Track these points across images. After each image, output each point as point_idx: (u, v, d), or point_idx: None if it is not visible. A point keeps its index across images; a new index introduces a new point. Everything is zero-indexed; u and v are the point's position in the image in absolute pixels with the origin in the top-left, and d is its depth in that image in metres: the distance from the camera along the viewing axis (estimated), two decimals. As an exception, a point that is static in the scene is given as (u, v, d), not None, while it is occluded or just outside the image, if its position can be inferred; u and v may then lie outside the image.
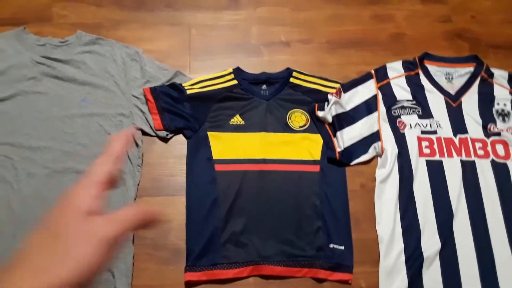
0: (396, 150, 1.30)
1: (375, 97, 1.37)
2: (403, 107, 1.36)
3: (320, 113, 1.34)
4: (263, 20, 1.56)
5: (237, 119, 1.35)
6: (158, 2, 1.56)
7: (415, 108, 1.35)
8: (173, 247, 1.22)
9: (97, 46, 1.41)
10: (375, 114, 1.35)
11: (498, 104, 1.36)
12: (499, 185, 1.25)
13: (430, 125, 1.33)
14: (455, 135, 1.31)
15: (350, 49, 1.52)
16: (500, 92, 1.38)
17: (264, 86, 1.41)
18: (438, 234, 1.19)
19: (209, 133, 1.32)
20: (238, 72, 1.41)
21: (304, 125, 1.36)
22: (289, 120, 1.36)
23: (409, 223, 1.22)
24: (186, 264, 1.18)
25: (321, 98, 1.38)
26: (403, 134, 1.32)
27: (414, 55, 1.45)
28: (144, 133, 1.33)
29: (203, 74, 1.42)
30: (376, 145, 1.32)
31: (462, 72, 1.42)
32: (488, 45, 1.55)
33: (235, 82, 1.39)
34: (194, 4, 1.57)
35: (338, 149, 1.31)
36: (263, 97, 1.39)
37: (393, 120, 1.34)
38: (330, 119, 1.34)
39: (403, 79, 1.40)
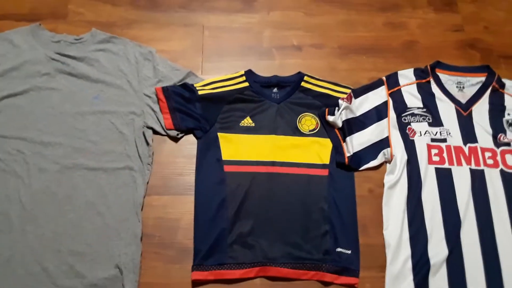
0: (405, 157, 1.30)
1: (385, 103, 1.37)
2: (413, 115, 1.36)
3: (330, 118, 1.34)
4: (276, 24, 1.58)
5: (247, 121, 1.36)
6: (172, 3, 1.58)
7: (426, 116, 1.36)
8: (180, 246, 1.23)
9: (111, 45, 1.42)
10: (385, 121, 1.35)
11: (508, 114, 1.36)
12: (507, 195, 1.25)
13: (440, 133, 1.33)
14: (465, 144, 1.31)
15: (362, 55, 1.53)
16: (511, 102, 1.38)
17: (275, 89, 1.42)
18: (445, 242, 1.19)
19: (219, 134, 1.33)
20: (249, 74, 1.42)
21: (314, 129, 1.36)
22: (299, 123, 1.37)
23: (416, 229, 1.22)
24: (193, 263, 1.19)
25: (331, 103, 1.38)
26: (413, 141, 1.32)
27: (426, 63, 1.46)
28: (155, 132, 1.34)
29: (215, 75, 1.43)
30: (386, 151, 1.32)
31: (474, 82, 1.42)
32: (500, 56, 1.55)
33: (246, 84, 1.40)
34: (208, 6, 1.59)
35: (347, 154, 1.32)
36: (274, 100, 1.39)
37: (403, 127, 1.34)
38: (340, 124, 1.34)
39: (414, 87, 1.41)
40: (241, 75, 1.42)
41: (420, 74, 1.43)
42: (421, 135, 1.33)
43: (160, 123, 1.34)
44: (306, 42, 1.55)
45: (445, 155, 1.30)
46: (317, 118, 1.38)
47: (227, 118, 1.36)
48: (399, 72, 1.44)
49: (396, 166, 1.30)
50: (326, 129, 1.36)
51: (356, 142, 1.32)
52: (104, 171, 1.25)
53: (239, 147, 1.32)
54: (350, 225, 1.26)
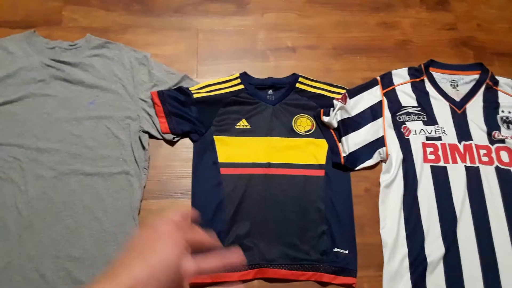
0: (400, 156, 1.31)
1: (380, 103, 1.38)
2: (408, 113, 1.36)
3: (325, 118, 1.35)
4: (270, 26, 1.58)
5: (243, 123, 1.36)
6: (166, 8, 1.58)
7: (420, 115, 1.36)
8: (178, 249, 1.23)
9: (105, 50, 1.42)
10: (380, 120, 1.35)
11: (502, 111, 1.37)
12: (503, 191, 1.25)
13: (435, 131, 1.33)
14: (459, 141, 1.32)
15: (356, 56, 1.53)
16: (504, 99, 1.39)
17: (270, 91, 1.42)
18: (442, 239, 1.20)
19: (215, 137, 1.34)
20: (244, 76, 1.43)
21: (310, 130, 1.37)
22: (295, 125, 1.37)
23: (413, 228, 1.22)
24: (191, 266, 1.19)
25: (326, 104, 1.39)
26: (408, 140, 1.33)
27: (419, 62, 1.46)
28: (151, 136, 1.35)
29: (210, 78, 1.43)
30: (381, 150, 1.32)
31: (467, 80, 1.43)
32: (493, 53, 1.56)
33: (241, 86, 1.41)
34: (202, 10, 1.59)
35: (343, 154, 1.32)
36: (269, 101, 1.40)
37: (398, 126, 1.35)
38: (335, 124, 1.35)
39: (409, 86, 1.41)
40: (236, 78, 1.42)
41: (414, 73, 1.44)
42: (416, 133, 1.33)
43: (156, 127, 1.34)
44: (300, 44, 1.55)
45: (440, 153, 1.30)
46: (312, 119, 1.38)
47: (222, 121, 1.36)
48: (393, 72, 1.44)
49: (391, 165, 1.30)
50: (321, 130, 1.37)
51: (352, 142, 1.33)
52: (100, 176, 1.25)
53: (235, 150, 1.33)
54: (347, 225, 1.26)
